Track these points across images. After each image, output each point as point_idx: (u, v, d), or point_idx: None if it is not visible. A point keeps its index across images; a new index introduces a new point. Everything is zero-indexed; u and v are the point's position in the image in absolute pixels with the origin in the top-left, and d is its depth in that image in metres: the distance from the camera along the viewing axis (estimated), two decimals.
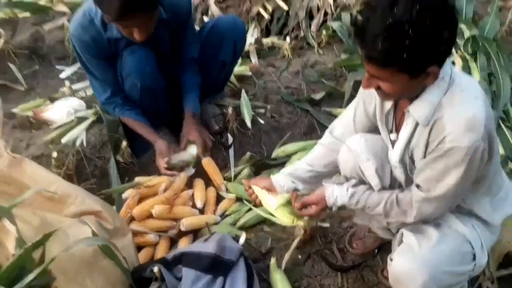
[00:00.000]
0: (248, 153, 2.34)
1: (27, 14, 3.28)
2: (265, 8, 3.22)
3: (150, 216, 1.97)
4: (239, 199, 2.16)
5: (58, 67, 3.01)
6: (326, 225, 1.86)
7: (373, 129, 1.52)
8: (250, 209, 2.07)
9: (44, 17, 3.26)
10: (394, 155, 1.39)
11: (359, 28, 1.14)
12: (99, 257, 1.48)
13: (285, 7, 3.20)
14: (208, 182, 2.24)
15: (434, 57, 1.14)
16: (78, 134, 2.27)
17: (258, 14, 3.23)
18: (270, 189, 1.65)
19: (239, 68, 2.72)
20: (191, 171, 2.18)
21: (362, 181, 1.51)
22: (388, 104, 1.38)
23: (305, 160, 1.65)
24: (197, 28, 2.23)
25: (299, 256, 1.77)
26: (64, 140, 2.24)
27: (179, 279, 1.51)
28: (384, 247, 1.75)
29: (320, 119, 2.56)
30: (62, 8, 3.28)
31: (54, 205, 1.60)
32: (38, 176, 1.58)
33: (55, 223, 1.47)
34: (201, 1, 3.27)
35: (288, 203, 1.64)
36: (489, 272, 1.73)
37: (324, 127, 2.51)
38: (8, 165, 1.55)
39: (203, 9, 3.26)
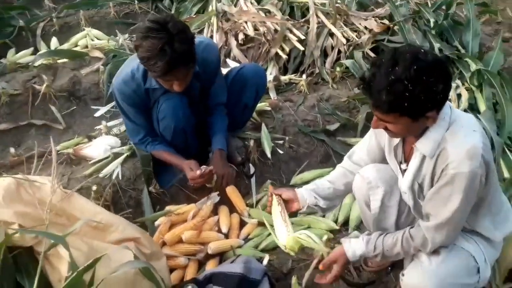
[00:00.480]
0: (269, 181, 2.55)
1: (65, 60, 3.62)
2: (282, 49, 3.47)
3: (180, 241, 2.16)
4: (261, 224, 2.34)
5: (93, 107, 3.29)
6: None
7: (384, 159, 1.71)
8: (271, 233, 2.26)
9: (81, 63, 3.57)
10: (404, 182, 1.58)
11: (367, 82, 1.37)
12: (139, 278, 1.66)
13: (301, 48, 3.44)
14: (232, 209, 2.43)
15: (431, 104, 1.35)
16: (114, 168, 2.50)
17: (276, 54, 3.47)
18: (293, 199, 1.79)
19: (259, 104, 2.94)
20: (216, 198, 2.39)
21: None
22: (396, 140, 1.58)
23: (326, 178, 1.83)
24: (223, 71, 2.48)
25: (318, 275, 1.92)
26: (102, 174, 2.47)
27: None
28: (397, 265, 1.89)
29: (335, 148, 2.77)
30: (97, 54, 3.59)
31: (98, 233, 1.79)
32: (85, 208, 1.78)
33: (100, 249, 1.66)
34: (224, 44, 3.54)
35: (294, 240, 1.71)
36: (496, 285, 1.85)
37: (339, 155, 2.73)
38: (60, 199, 1.77)
39: (226, 51, 3.51)
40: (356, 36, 3.49)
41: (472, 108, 2.86)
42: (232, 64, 3.30)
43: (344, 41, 3.44)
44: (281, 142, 2.74)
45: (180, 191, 2.49)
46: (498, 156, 2.40)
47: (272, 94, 3.18)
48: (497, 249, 1.65)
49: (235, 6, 3.81)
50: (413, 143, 1.51)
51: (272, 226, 1.97)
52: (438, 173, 1.44)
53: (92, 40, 3.88)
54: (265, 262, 1.90)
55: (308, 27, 3.57)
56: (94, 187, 2.30)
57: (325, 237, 2.09)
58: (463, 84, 2.93)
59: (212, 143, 2.32)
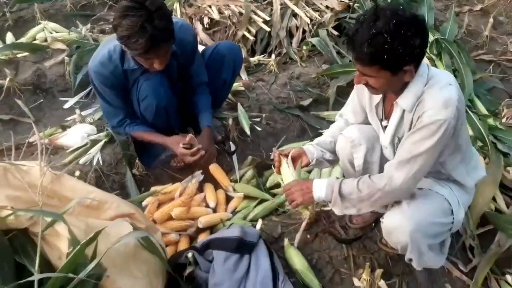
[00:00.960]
0: (250, 157, 2.61)
1: (25, 54, 3.51)
2: (249, 31, 3.55)
3: (169, 218, 2.20)
4: (246, 197, 2.41)
5: (61, 99, 3.23)
6: (328, 208, 2.12)
7: (367, 118, 1.82)
8: (257, 204, 2.33)
9: (43, 55, 3.48)
10: (386, 137, 1.69)
11: (350, 37, 1.46)
12: (139, 250, 1.69)
13: (267, 29, 3.53)
14: (217, 186, 2.48)
15: (409, 58, 1.44)
16: (94, 155, 2.48)
17: (243, 36, 3.54)
18: (301, 156, 1.85)
19: (233, 85, 3.00)
20: (201, 176, 2.43)
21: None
22: (377, 98, 1.68)
23: (325, 135, 1.93)
24: None
25: (308, 236, 2.01)
26: (82, 161, 2.44)
27: (210, 261, 1.73)
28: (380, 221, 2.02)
29: (310, 122, 2.88)
30: (59, 46, 3.51)
31: (92, 211, 1.79)
32: (77, 188, 1.77)
33: (97, 226, 1.65)
34: None
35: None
36: (470, 230, 2.03)
37: (313, 129, 2.84)
38: (50, 181, 1.75)
39: None
40: (319, 15, 3.61)
41: None
42: (200, 48, 3.32)
43: (308, 20, 3.55)
44: (258, 119, 2.81)
45: (164, 172, 2.51)
46: None
47: (244, 76, 3.24)
48: (469, 194, 1.79)
49: None
50: (393, 100, 1.61)
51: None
52: (415, 122, 1.54)
53: (51, 33, 3.77)
54: (258, 226, 1.97)
55: (271, 9, 3.67)
56: (77, 173, 2.28)
57: None
58: None
59: (199, 120, 2.35)
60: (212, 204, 2.34)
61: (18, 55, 3.47)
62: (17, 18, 4.11)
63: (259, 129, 2.75)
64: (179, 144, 2.20)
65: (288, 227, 2.10)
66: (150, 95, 2.17)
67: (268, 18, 3.58)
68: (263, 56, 3.53)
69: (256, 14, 3.61)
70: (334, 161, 1.92)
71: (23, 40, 3.76)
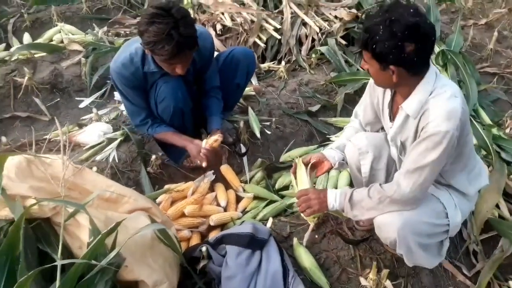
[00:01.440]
0: (259, 159, 2.69)
1: (43, 54, 3.61)
2: (260, 38, 3.64)
3: (182, 215, 2.28)
4: (256, 198, 2.49)
5: (77, 98, 3.33)
6: None
7: (376, 117, 1.90)
8: (266, 205, 2.41)
9: (60, 56, 3.58)
10: (389, 135, 1.77)
11: (364, 21, 1.55)
12: (156, 242, 1.76)
13: (278, 36, 3.62)
14: (227, 186, 2.56)
15: (394, 58, 1.49)
16: (110, 152, 2.57)
17: (254, 43, 3.63)
18: (322, 161, 1.91)
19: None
20: (212, 176, 2.50)
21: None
22: (387, 99, 1.76)
23: (342, 137, 1.99)
24: None
25: (316, 236, 2.08)
26: (98, 158, 2.53)
27: (223, 255, 1.80)
28: None
29: (318, 127, 2.96)
30: (76, 47, 3.62)
31: (110, 205, 1.86)
32: (97, 182, 1.85)
33: (116, 218, 1.73)
34: None
35: None
36: (474, 236, 2.09)
37: (321, 134, 2.92)
38: (72, 174, 1.83)
39: None
40: (328, 25, 3.70)
41: None
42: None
43: (317, 29, 3.63)
44: (268, 123, 2.89)
45: (177, 171, 2.59)
46: None
47: (254, 81, 3.33)
48: (470, 201, 1.83)
49: None
50: (399, 103, 1.67)
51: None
52: (419, 132, 1.60)
53: (67, 35, 3.88)
54: (269, 224, 2.04)
55: (282, 18, 3.76)
56: (94, 169, 2.36)
57: None
58: None
59: (209, 123, 2.43)
60: (223, 203, 2.41)
61: (35, 55, 3.58)
62: (34, 20, 4.24)
63: (269, 132, 2.83)
64: (198, 153, 2.27)
65: (296, 227, 2.17)
66: (169, 98, 2.25)
67: (278, 26, 3.67)
68: (273, 63, 3.62)
69: (267, 22, 3.71)
70: None
71: (40, 40, 3.87)
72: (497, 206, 2.25)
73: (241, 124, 2.72)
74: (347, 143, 1.93)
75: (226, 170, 2.58)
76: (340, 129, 2.95)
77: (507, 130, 2.79)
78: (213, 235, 2.23)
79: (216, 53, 2.69)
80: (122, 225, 1.62)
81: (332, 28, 3.68)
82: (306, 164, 1.92)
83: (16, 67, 3.34)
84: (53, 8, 4.21)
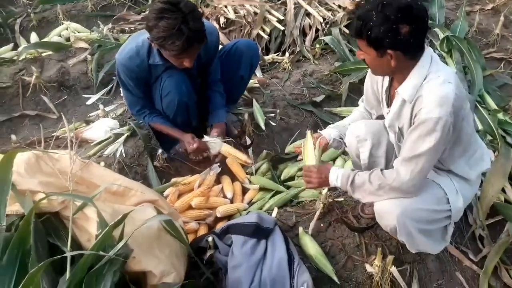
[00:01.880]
0: (265, 151, 2.71)
1: (50, 52, 3.66)
2: (263, 30, 3.65)
3: (189, 207, 2.31)
4: (262, 189, 2.51)
5: (84, 95, 3.37)
6: (341, 199, 2.20)
7: (378, 104, 1.91)
8: (272, 196, 2.43)
9: (66, 54, 3.62)
10: (387, 121, 1.78)
11: (354, 13, 1.56)
12: (162, 233, 1.79)
13: (281, 28, 3.63)
14: (233, 178, 2.58)
15: (390, 42, 1.49)
16: (117, 147, 2.61)
17: (258, 35, 3.64)
18: (320, 138, 1.94)
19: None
20: (218, 169, 2.53)
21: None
22: (385, 84, 1.77)
23: (346, 119, 2.02)
24: None
25: (322, 225, 2.10)
26: (106, 153, 2.57)
27: (229, 245, 1.83)
28: None
29: (322, 118, 2.97)
30: (82, 45, 3.65)
31: (118, 198, 1.90)
32: (105, 175, 1.89)
33: (123, 211, 1.77)
34: None
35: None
36: (480, 221, 2.09)
37: (326, 124, 2.91)
38: (80, 168, 1.87)
39: None
40: (332, 15, 3.69)
41: None
42: None
43: (321, 19, 3.63)
44: (272, 115, 2.91)
45: (184, 165, 2.63)
46: (471, 112, 2.64)
47: (258, 73, 3.34)
48: (473, 186, 1.82)
49: None
50: (396, 89, 1.67)
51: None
52: (413, 117, 1.60)
53: (73, 33, 3.92)
54: (274, 214, 2.07)
55: (285, 9, 3.76)
56: (102, 164, 2.40)
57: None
58: (434, 51, 3.17)
59: (213, 116, 2.46)
60: (229, 194, 2.44)
61: (42, 54, 3.62)
62: (41, 19, 4.29)
63: (273, 124, 2.85)
64: (190, 143, 2.34)
65: (302, 217, 2.19)
66: (173, 91, 2.28)
67: (282, 18, 3.67)
68: (277, 55, 3.63)
69: (270, 13, 3.71)
70: None
71: (46, 39, 3.92)
72: (503, 190, 2.25)
73: (246, 116, 2.74)
74: (347, 131, 1.94)
75: (232, 162, 2.61)
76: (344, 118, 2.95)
77: None
78: (220, 227, 2.27)
79: (220, 47, 2.71)
80: (129, 217, 1.66)
81: (336, 17, 3.68)
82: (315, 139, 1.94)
83: (24, 66, 3.39)
84: (59, 7, 4.26)
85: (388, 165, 1.89)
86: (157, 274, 1.64)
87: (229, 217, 2.34)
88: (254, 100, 2.92)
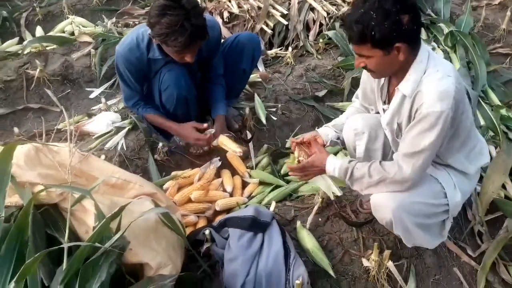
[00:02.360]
0: (265, 145, 2.72)
1: (54, 46, 3.68)
2: (267, 25, 3.64)
3: (189, 201, 2.32)
4: (261, 183, 2.51)
5: (87, 89, 3.39)
6: (340, 193, 2.20)
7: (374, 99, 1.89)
8: (272, 190, 2.43)
9: (70, 48, 3.64)
10: (384, 118, 1.76)
11: (344, 19, 1.55)
12: (159, 225, 1.80)
13: (285, 22, 3.62)
14: (233, 172, 2.59)
15: (397, 35, 1.48)
16: (119, 141, 2.63)
17: (261, 30, 3.63)
18: (316, 137, 1.93)
19: (251, 76, 3.09)
20: (218, 163, 2.54)
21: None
22: (382, 81, 1.76)
23: (342, 116, 2.01)
24: None
25: (320, 219, 2.10)
26: (107, 146, 2.59)
27: (226, 238, 1.84)
28: None
29: (324, 112, 2.96)
30: (86, 39, 3.67)
31: (116, 191, 1.91)
32: (103, 168, 1.90)
33: (121, 203, 1.79)
34: None
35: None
36: (479, 216, 2.08)
37: (328, 119, 2.91)
38: (79, 161, 1.89)
39: None
40: (335, 9, 3.67)
41: None
42: None
43: (325, 14, 3.61)
44: (274, 109, 2.91)
45: (184, 158, 2.64)
46: (474, 107, 2.63)
47: (261, 68, 3.33)
48: (471, 181, 1.82)
49: None
50: (395, 86, 1.67)
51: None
52: (413, 113, 1.59)
53: (78, 27, 3.94)
54: (272, 207, 2.07)
55: (289, 3, 3.74)
56: (103, 157, 2.42)
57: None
58: (438, 47, 3.15)
59: (214, 109, 2.46)
60: (229, 188, 2.45)
61: (47, 48, 3.65)
62: (46, 13, 4.31)
63: (274, 118, 2.85)
64: (193, 129, 2.32)
65: (300, 211, 2.19)
66: (172, 86, 2.29)
67: (285, 12, 3.66)
68: (280, 49, 3.62)
69: (274, 8, 3.70)
70: None
71: (52, 33, 3.94)
72: (504, 186, 2.23)
73: (247, 110, 2.74)
74: (345, 124, 1.93)
75: (232, 156, 2.61)
76: None
77: None
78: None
79: (222, 41, 2.71)
80: (127, 209, 1.67)
81: (340, 12, 3.65)
82: (298, 144, 1.93)
83: (28, 60, 3.41)
84: (64, 1, 4.28)
85: (385, 159, 1.88)
86: (153, 266, 1.66)
87: (228, 210, 2.35)
88: (255, 95, 2.92)
